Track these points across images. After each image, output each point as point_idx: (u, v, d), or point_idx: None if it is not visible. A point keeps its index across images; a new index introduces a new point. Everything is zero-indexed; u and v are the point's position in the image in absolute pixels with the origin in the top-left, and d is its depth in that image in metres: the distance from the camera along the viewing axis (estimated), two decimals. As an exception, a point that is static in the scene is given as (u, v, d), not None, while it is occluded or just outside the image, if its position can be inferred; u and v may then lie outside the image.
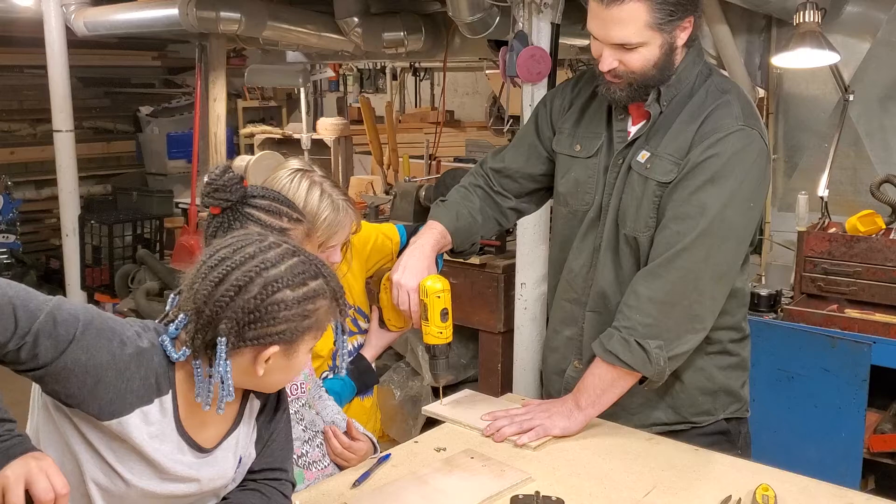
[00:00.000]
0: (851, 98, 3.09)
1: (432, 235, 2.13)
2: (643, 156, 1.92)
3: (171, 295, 1.46)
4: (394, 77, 7.63)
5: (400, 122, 7.24)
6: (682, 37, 1.86)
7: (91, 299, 5.33)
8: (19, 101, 6.81)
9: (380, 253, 2.39)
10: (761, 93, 3.56)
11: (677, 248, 1.84)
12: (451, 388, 2.29)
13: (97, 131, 7.29)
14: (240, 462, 1.47)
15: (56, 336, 1.25)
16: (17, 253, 6.26)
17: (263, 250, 1.34)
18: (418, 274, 2.03)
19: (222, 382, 1.31)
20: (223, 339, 1.30)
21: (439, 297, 2.00)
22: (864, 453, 2.63)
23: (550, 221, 2.78)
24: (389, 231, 2.44)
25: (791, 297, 2.93)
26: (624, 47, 1.83)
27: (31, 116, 6.88)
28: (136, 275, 5.02)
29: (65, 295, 5.38)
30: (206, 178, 1.69)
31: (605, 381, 1.92)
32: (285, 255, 1.34)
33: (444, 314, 2.01)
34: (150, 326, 1.39)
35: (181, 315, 1.35)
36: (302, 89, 4.74)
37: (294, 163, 2.12)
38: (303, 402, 1.84)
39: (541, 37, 2.92)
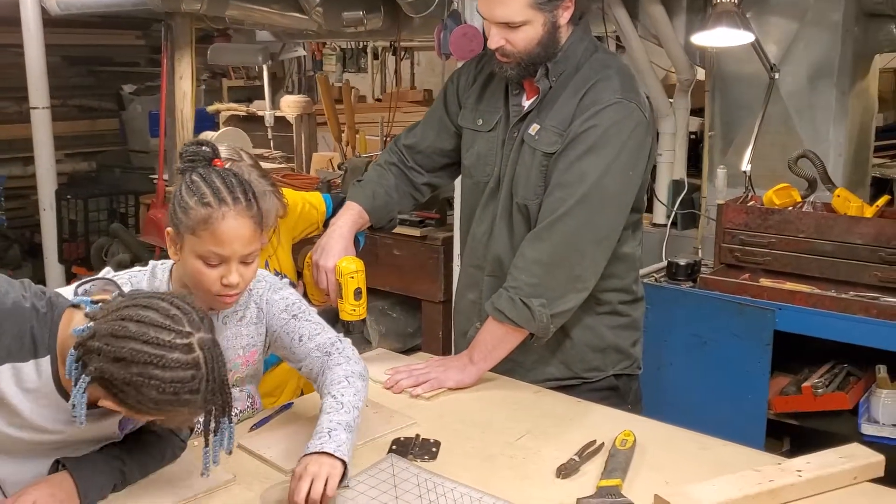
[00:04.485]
0: (777, 76, 3.20)
1: (350, 216, 2.27)
2: (534, 128, 2.05)
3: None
4: (375, 57, 7.75)
5: (379, 100, 7.37)
6: (564, 15, 1.98)
7: (69, 272, 5.49)
8: (3, 79, 6.92)
9: (306, 221, 2.52)
10: (700, 72, 3.67)
11: (559, 212, 1.97)
12: (403, 354, 2.43)
13: (82, 109, 7.41)
14: (127, 420, 1.57)
15: None
16: (1, 228, 6.41)
17: (171, 347, 1.34)
18: (335, 255, 2.18)
19: (74, 407, 1.37)
20: (87, 377, 1.35)
21: (353, 277, 2.15)
22: (770, 414, 2.76)
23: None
24: (316, 200, 2.56)
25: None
26: (509, 26, 1.95)
27: (15, 94, 6.98)
28: (109, 248, 5.17)
29: (43, 268, 5.54)
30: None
31: (495, 337, 2.06)
32: (183, 366, 1.35)
33: (357, 293, 2.16)
34: (47, 294, 1.48)
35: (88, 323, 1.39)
36: (265, 67, 4.87)
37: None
38: None
39: (473, 15, 3.04)
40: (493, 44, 1.99)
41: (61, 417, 1.48)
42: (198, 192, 1.67)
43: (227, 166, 2.08)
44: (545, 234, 1.99)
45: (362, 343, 2.22)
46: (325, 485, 1.53)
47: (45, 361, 1.45)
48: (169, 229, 1.72)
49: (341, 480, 1.58)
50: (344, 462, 1.58)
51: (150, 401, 1.35)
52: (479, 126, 2.19)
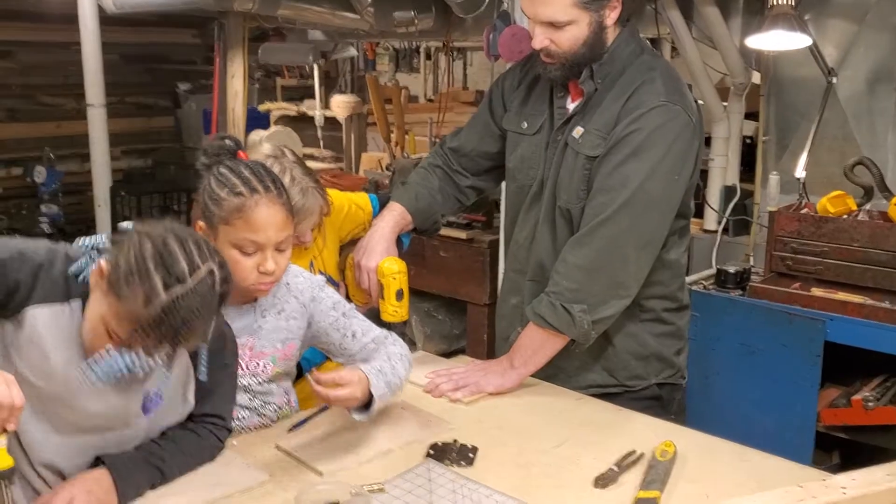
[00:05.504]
0: (835, 80, 3.12)
1: (392, 217, 2.26)
2: (577, 131, 2.02)
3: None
4: (427, 57, 7.75)
5: (431, 101, 7.37)
6: (611, 16, 1.95)
7: (123, 266, 5.58)
8: (64, 77, 7.07)
9: (353, 222, 2.53)
10: (756, 76, 3.60)
11: (601, 217, 1.94)
12: (444, 357, 2.42)
13: (139, 107, 7.54)
14: (150, 399, 1.60)
15: None
16: (58, 223, 6.55)
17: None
18: (378, 256, 2.18)
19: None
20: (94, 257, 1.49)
21: (395, 278, 2.15)
22: (819, 427, 2.69)
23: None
24: (362, 201, 2.57)
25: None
26: (553, 25, 1.93)
27: (76, 91, 7.13)
28: (161, 244, 5.24)
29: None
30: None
31: (535, 343, 2.04)
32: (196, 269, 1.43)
33: (399, 294, 2.15)
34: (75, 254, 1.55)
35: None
36: (315, 66, 4.90)
37: (267, 148, 2.26)
38: (259, 380, 1.89)
39: (523, 16, 3.00)
40: (537, 44, 1.97)
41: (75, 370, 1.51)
42: (228, 183, 1.70)
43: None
44: (587, 239, 1.96)
45: (406, 344, 2.22)
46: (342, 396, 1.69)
47: (77, 305, 1.50)
48: (201, 223, 1.74)
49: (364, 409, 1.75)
50: (370, 402, 1.74)
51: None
52: (524, 129, 2.17)
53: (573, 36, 1.93)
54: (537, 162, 2.13)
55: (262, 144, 2.27)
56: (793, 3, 2.78)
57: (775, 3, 2.76)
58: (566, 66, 1.98)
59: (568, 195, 2.03)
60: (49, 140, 6.98)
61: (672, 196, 1.98)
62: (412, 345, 3.85)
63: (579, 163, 2.00)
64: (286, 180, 2.10)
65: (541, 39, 1.95)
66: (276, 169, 2.10)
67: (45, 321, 1.49)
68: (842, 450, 2.86)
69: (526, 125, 2.16)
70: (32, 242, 1.52)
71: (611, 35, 1.99)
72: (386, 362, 1.81)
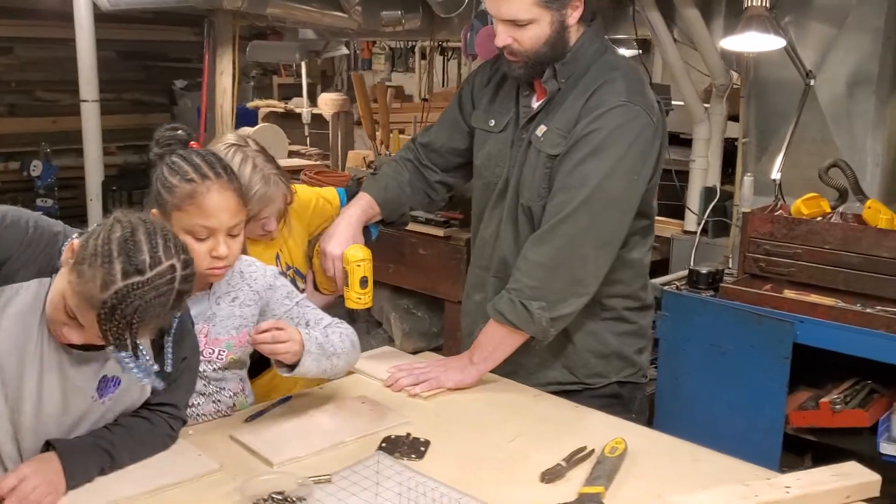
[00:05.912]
0: (813, 83, 3.12)
1: (360, 206, 2.28)
2: (540, 130, 2.04)
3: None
4: (423, 56, 7.77)
5: (426, 100, 7.38)
6: (573, 15, 1.96)
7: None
8: (61, 73, 7.10)
9: (321, 216, 2.54)
10: (736, 77, 3.60)
11: (561, 215, 1.95)
12: (410, 354, 2.44)
13: (135, 103, 7.58)
14: (107, 384, 1.63)
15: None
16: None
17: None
18: (343, 243, 2.20)
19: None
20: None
21: (359, 265, 2.17)
22: (788, 429, 2.69)
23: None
24: (330, 195, 2.59)
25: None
26: (515, 24, 1.94)
27: (73, 87, 7.15)
28: (150, 239, 5.28)
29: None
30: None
31: (495, 339, 2.05)
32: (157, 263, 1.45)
33: (363, 282, 2.17)
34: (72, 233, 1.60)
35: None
36: (303, 64, 4.92)
37: (230, 137, 2.27)
38: (215, 367, 1.92)
39: (500, 16, 3.01)
40: (499, 42, 1.98)
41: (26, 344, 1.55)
42: (180, 171, 1.74)
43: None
44: (548, 236, 1.98)
45: (366, 333, 2.23)
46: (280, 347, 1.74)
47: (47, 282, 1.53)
48: (154, 210, 1.76)
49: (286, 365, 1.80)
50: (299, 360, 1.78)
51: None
52: (491, 127, 2.18)
53: (535, 35, 1.94)
54: (503, 160, 2.14)
55: (225, 135, 2.28)
56: (767, 5, 2.79)
57: (750, 4, 2.77)
58: (529, 65, 1.99)
59: (530, 193, 2.04)
60: (46, 135, 7.03)
61: (632, 195, 1.99)
62: (390, 342, 3.87)
63: (541, 161, 2.01)
64: (248, 168, 2.13)
65: (503, 37, 1.97)
66: (238, 157, 2.13)
67: (32, 294, 1.52)
68: (814, 453, 2.86)
69: (493, 123, 2.17)
70: (36, 215, 1.60)
71: (574, 34, 2.00)
72: (320, 332, 1.87)
